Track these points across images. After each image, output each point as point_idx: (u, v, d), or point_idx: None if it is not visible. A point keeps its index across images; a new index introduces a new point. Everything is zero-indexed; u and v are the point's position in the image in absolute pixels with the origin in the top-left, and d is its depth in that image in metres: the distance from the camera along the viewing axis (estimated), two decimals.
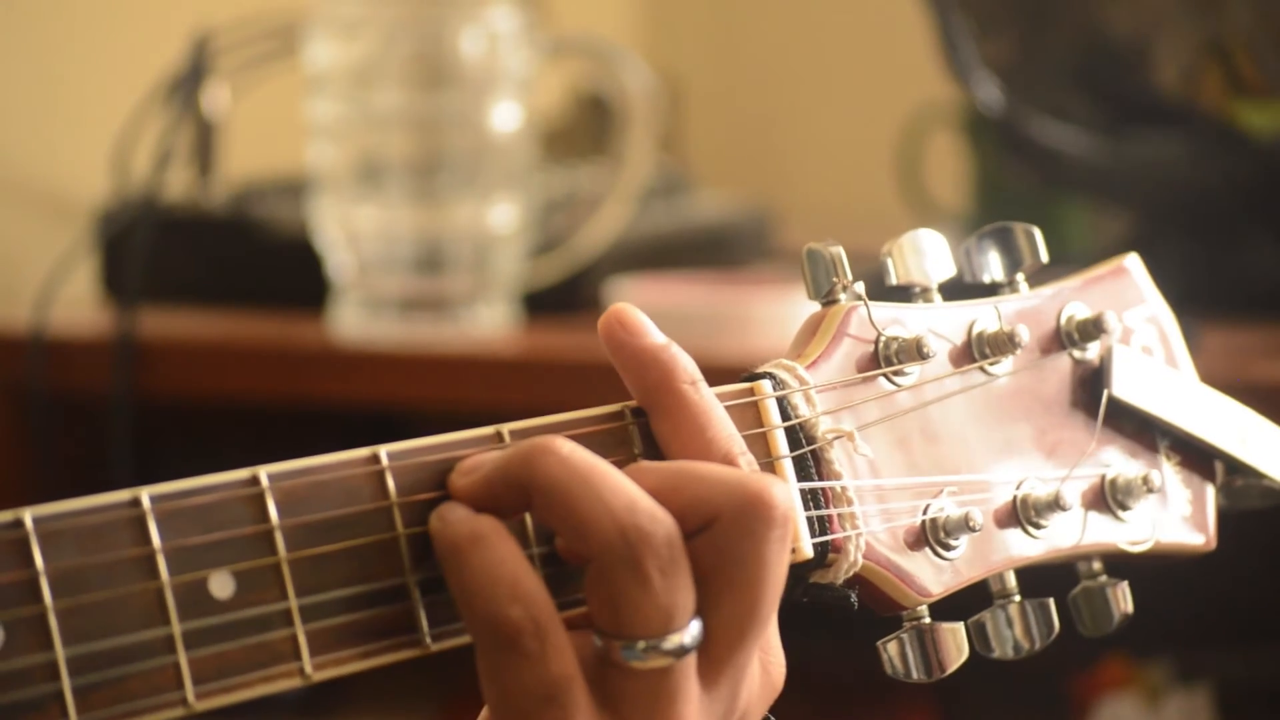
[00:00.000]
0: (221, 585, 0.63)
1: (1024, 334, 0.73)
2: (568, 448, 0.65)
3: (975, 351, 0.74)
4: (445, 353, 1.51)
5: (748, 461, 0.68)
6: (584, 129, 1.84)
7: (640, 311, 0.68)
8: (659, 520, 0.64)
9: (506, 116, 1.56)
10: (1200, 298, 1.51)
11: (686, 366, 0.68)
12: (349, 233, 1.56)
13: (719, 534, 0.65)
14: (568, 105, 1.88)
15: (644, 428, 0.68)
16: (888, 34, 2.14)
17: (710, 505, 0.65)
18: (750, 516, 0.65)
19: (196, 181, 1.65)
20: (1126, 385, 0.75)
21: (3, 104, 1.71)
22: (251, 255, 1.62)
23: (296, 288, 1.59)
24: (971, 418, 0.73)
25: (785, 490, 0.66)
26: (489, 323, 1.56)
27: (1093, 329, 0.75)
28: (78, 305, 1.63)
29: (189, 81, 1.61)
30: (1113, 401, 0.74)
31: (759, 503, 0.65)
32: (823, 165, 2.21)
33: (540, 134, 1.67)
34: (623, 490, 0.64)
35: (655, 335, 0.69)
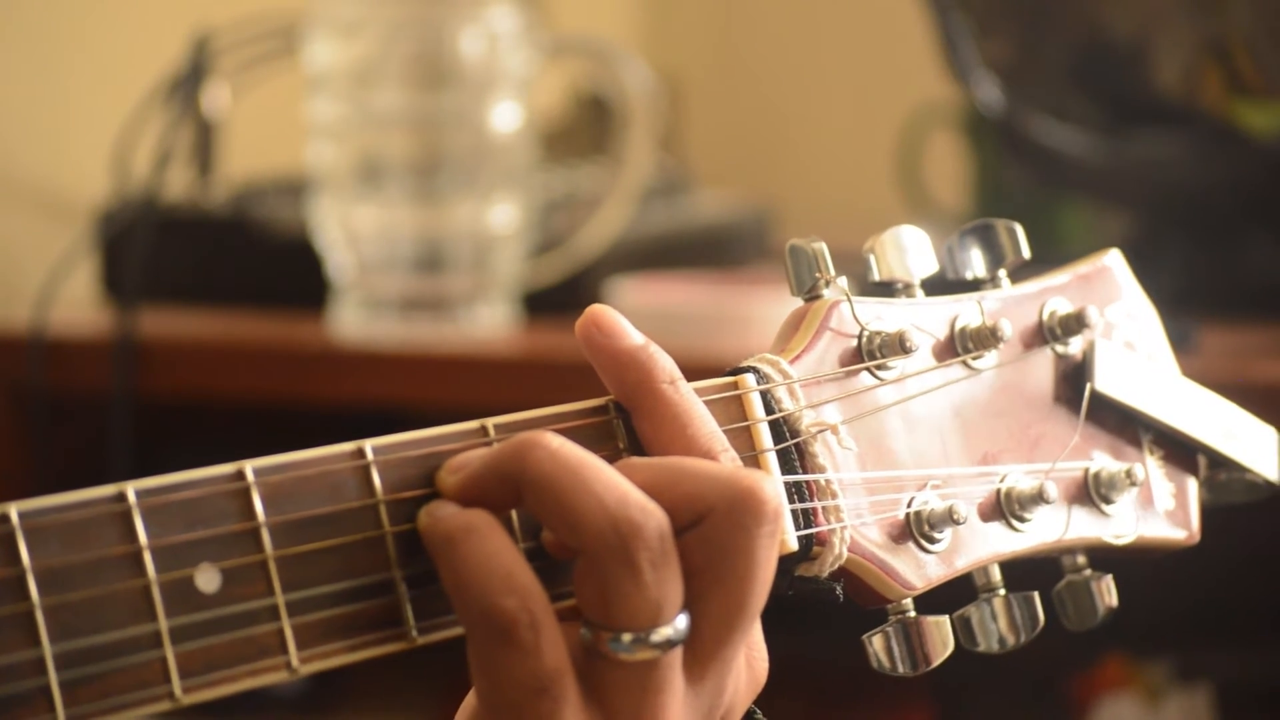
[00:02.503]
0: (207, 580, 0.63)
1: (1006, 329, 0.74)
2: (557, 442, 0.65)
3: (958, 346, 0.74)
4: (445, 353, 1.51)
5: (730, 458, 0.68)
6: (584, 129, 1.84)
7: (617, 313, 0.68)
8: (650, 513, 0.64)
9: (506, 116, 1.56)
10: (1200, 298, 1.51)
11: (665, 366, 0.68)
12: (349, 233, 1.56)
13: (710, 529, 0.65)
14: (568, 105, 1.88)
15: (629, 422, 0.69)
16: (888, 34, 2.14)
17: (702, 501, 0.65)
18: (742, 512, 0.65)
19: (196, 181, 1.65)
20: (1109, 379, 0.75)
21: (3, 104, 1.71)
22: (251, 255, 1.62)
23: (296, 288, 1.60)
24: (954, 412, 0.73)
25: (776, 487, 0.66)
26: (489, 323, 1.56)
27: (1075, 324, 0.76)
28: (78, 305, 1.64)
29: (189, 81, 1.62)
30: (1095, 396, 0.75)
31: (751, 499, 0.65)
32: (823, 165, 2.21)
33: (540, 134, 1.67)
34: (614, 484, 0.64)
35: (632, 336, 0.69)
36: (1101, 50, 1.61)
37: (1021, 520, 0.73)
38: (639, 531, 0.64)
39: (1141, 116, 1.60)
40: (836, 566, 0.70)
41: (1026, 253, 0.76)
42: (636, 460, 0.67)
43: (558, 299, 1.59)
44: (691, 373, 0.70)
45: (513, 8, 1.57)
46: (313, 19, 1.56)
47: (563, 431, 0.67)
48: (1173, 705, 1.57)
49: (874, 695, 1.61)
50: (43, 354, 1.54)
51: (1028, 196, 1.76)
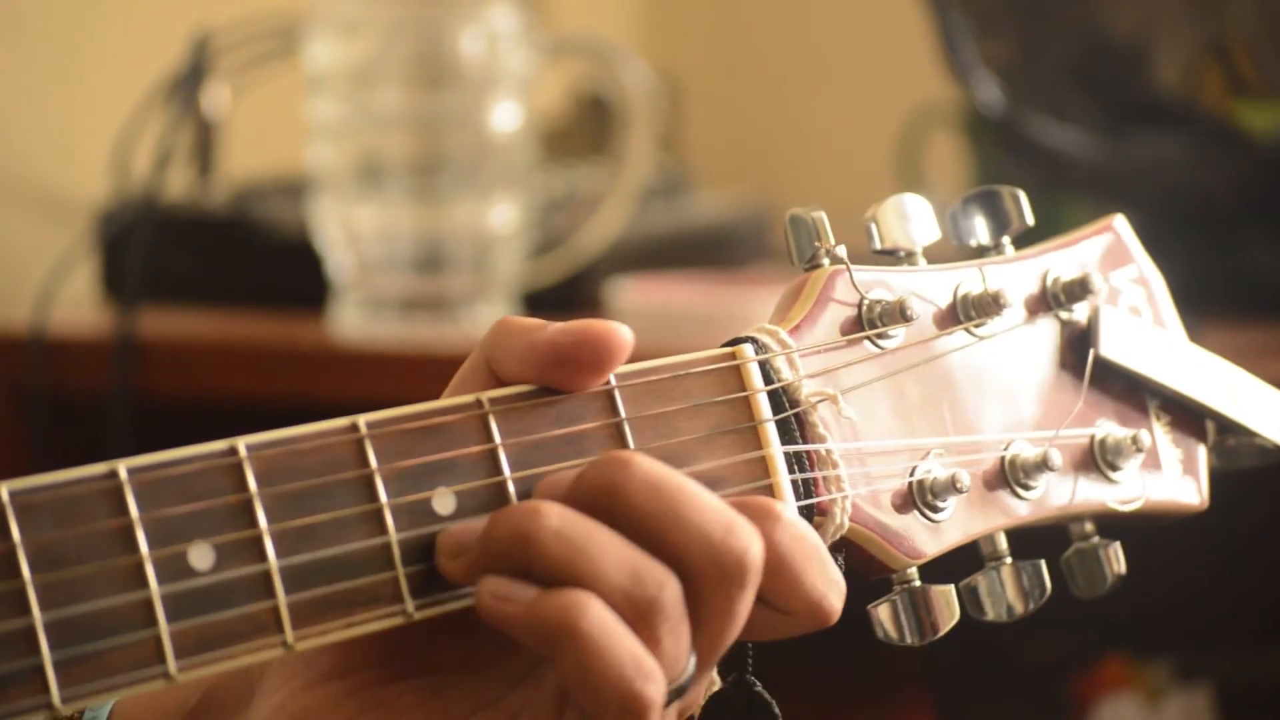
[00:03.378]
0: (201, 556, 0.62)
1: (1009, 296, 0.73)
2: (555, 519, 0.64)
3: (960, 314, 0.73)
4: (445, 353, 1.51)
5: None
6: (584, 129, 1.84)
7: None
8: (664, 585, 0.64)
9: (506, 116, 1.56)
10: (1200, 297, 1.50)
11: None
12: (349, 233, 1.56)
13: (691, 587, 0.65)
14: (568, 105, 1.88)
15: (629, 392, 0.68)
16: (888, 34, 2.14)
17: (686, 559, 0.65)
18: (721, 579, 0.65)
19: (196, 181, 1.65)
20: (1114, 345, 0.74)
21: (3, 104, 1.71)
22: (251, 255, 1.62)
23: (296, 288, 1.59)
24: (957, 380, 0.73)
25: (761, 549, 0.65)
26: (489, 323, 1.56)
27: (1079, 290, 0.75)
28: (78, 305, 1.63)
29: (189, 81, 1.62)
30: (1100, 362, 0.74)
31: (735, 568, 0.64)
32: (823, 165, 2.21)
33: (540, 134, 1.67)
34: (624, 558, 0.64)
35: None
36: (1102, 50, 1.61)
37: (1026, 488, 0.73)
38: (655, 606, 0.63)
39: (1141, 116, 1.60)
40: (838, 537, 0.69)
41: (1030, 219, 0.75)
42: (638, 471, 0.65)
43: (558, 299, 1.59)
44: None
45: (513, 8, 1.57)
46: (313, 19, 1.56)
47: (560, 406, 0.66)
48: (1173, 705, 1.57)
49: (874, 695, 1.61)
50: (43, 354, 1.54)
51: (1028, 196, 1.75)
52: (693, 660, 0.65)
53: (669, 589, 0.64)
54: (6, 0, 1.71)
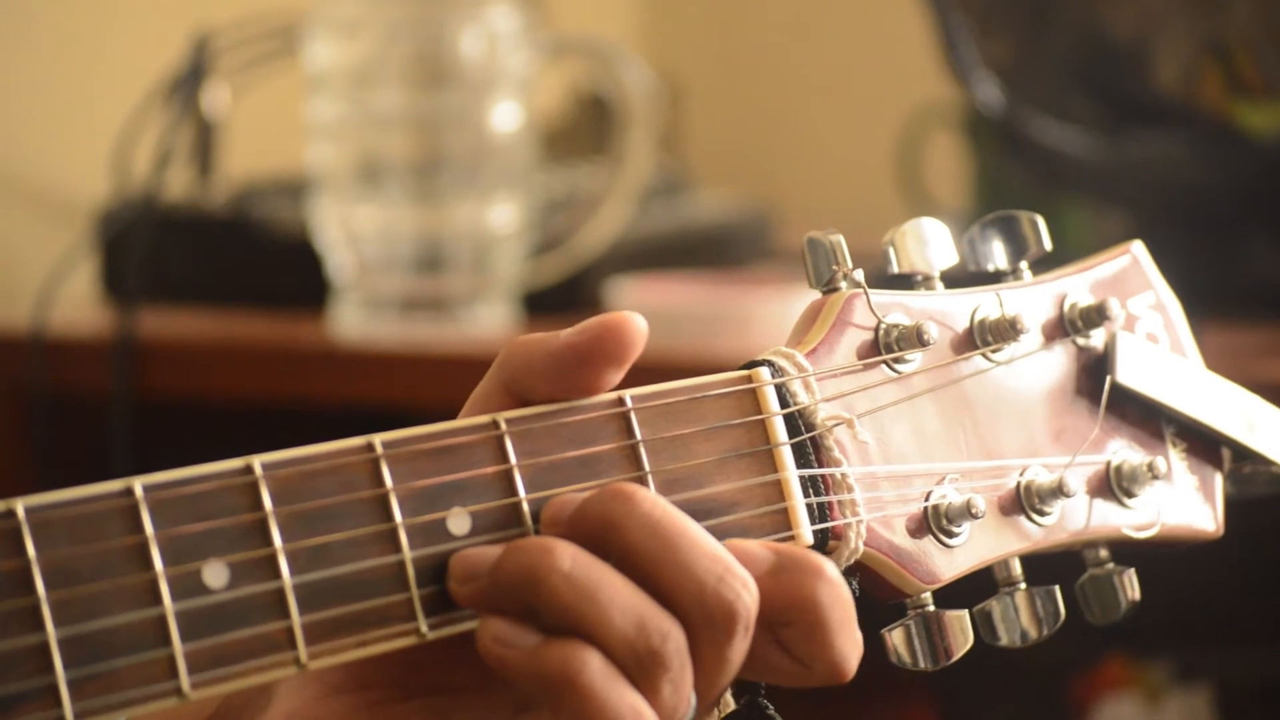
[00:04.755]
0: (215, 575, 0.63)
1: (1026, 321, 0.73)
2: (567, 561, 0.64)
3: (977, 339, 0.73)
4: (445, 353, 1.51)
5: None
6: (584, 129, 1.84)
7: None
8: (667, 635, 0.64)
9: (506, 116, 1.56)
10: (1200, 298, 1.50)
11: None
12: (349, 233, 1.56)
13: (686, 631, 0.65)
14: (568, 105, 1.88)
15: (644, 414, 0.68)
16: (888, 34, 2.14)
17: (676, 604, 0.65)
18: (712, 630, 0.65)
19: (196, 181, 1.65)
20: (1130, 372, 0.74)
21: (3, 104, 1.71)
22: (251, 255, 1.62)
23: (296, 288, 1.59)
24: (973, 405, 0.73)
25: (752, 599, 0.65)
26: (489, 323, 1.56)
27: (1096, 316, 0.75)
28: (78, 305, 1.63)
29: (189, 81, 1.61)
30: (1117, 388, 0.74)
31: (722, 619, 0.65)
32: (823, 165, 2.21)
33: (540, 134, 1.67)
34: (631, 606, 0.64)
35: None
36: (1101, 50, 1.61)
37: (1041, 514, 0.73)
38: (657, 658, 0.64)
39: (1141, 116, 1.60)
40: (853, 561, 0.70)
41: (1048, 244, 0.76)
42: (646, 512, 0.65)
43: (558, 299, 1.59)
44: (692, 373, 0.70)
45: (513, 8, 1.57)
46: (313, 19, 1.56)
47: (577, 423, 0.67)
48: (1173, 705, 1.57)
49: (876, 695, 1.61)
50: (43, 354, 1.54)
51: (1028, 196, 1.76)
52: (693, 700, 0.65)
53: (672, 640, 0.64)
54: (8, 1, 1.71)
